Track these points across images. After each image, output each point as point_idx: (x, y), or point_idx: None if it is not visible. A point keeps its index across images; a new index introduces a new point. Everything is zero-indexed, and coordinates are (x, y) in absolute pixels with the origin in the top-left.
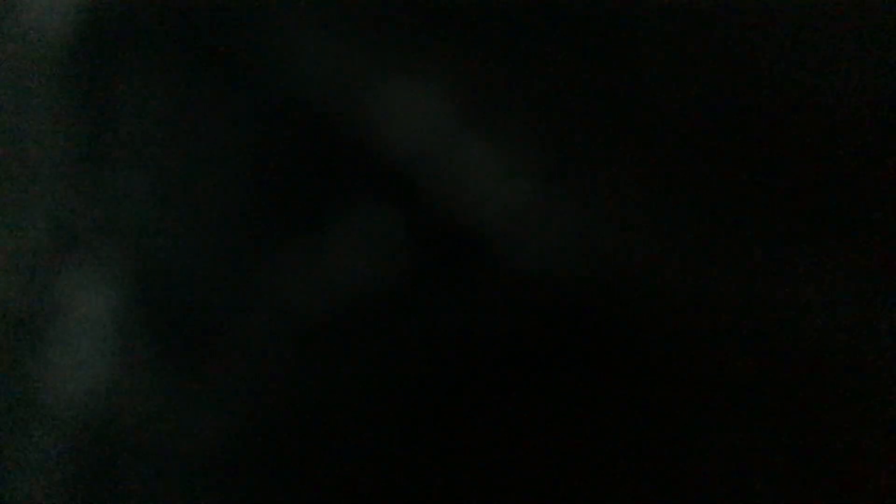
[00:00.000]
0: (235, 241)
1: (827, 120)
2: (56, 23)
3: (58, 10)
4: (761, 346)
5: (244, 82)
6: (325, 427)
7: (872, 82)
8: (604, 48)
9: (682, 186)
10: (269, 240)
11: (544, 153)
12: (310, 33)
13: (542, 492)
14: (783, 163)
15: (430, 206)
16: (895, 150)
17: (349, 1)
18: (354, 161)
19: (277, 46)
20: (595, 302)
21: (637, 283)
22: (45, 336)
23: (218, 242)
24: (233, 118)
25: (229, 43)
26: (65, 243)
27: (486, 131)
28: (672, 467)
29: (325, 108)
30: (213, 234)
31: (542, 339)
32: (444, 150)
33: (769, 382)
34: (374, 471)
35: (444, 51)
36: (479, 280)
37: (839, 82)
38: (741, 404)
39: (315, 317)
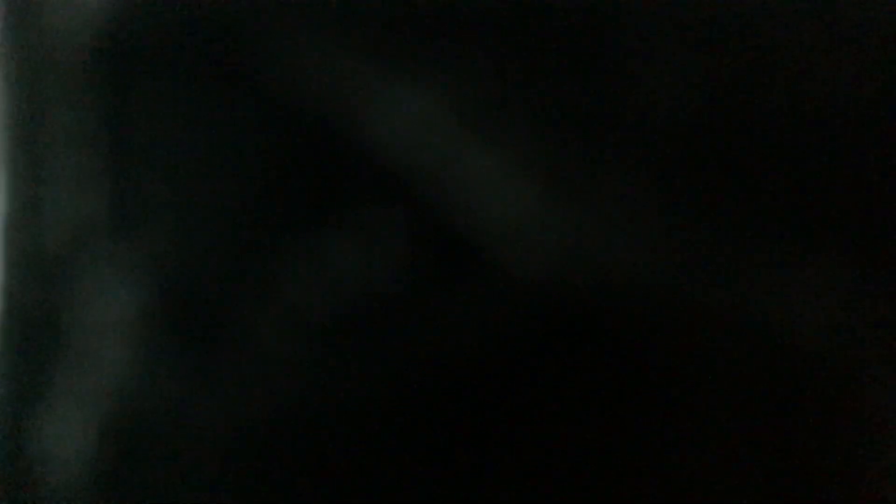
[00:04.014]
0: (244, 243)
1: (827, 121)
2: (75, 28)
3: (77, 15)
4: (766, 355)
5: (251, 88)
6: (329, 422)
7: (872, 82)
8: (607, 55)
9: (685, 193)
10: (276, 242)
11: (545, 159)
12: (312, 38)
13: (545, 494)
14: (786, 167)
15: (430, 211)
16: (895, 151)
17: (350, 5)
18: (356, 166)
19: (281, 52)
20: (595, 309)
21: (638, 290)
22: (65, 335)
23: (229, 244)
24: (242, 123)
25: (238, 50)
26: (83, 245)
27: (487, 136)
28: (679, 476)
29: (327, 114)
30: (225, 235)
31: (542, 345)
32: (445, 156)
33: (773, 389)
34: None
35: (445, 55)
36: (479, 286)
37: (837, 83)
38: (747, 411)
39: (319, 319)
